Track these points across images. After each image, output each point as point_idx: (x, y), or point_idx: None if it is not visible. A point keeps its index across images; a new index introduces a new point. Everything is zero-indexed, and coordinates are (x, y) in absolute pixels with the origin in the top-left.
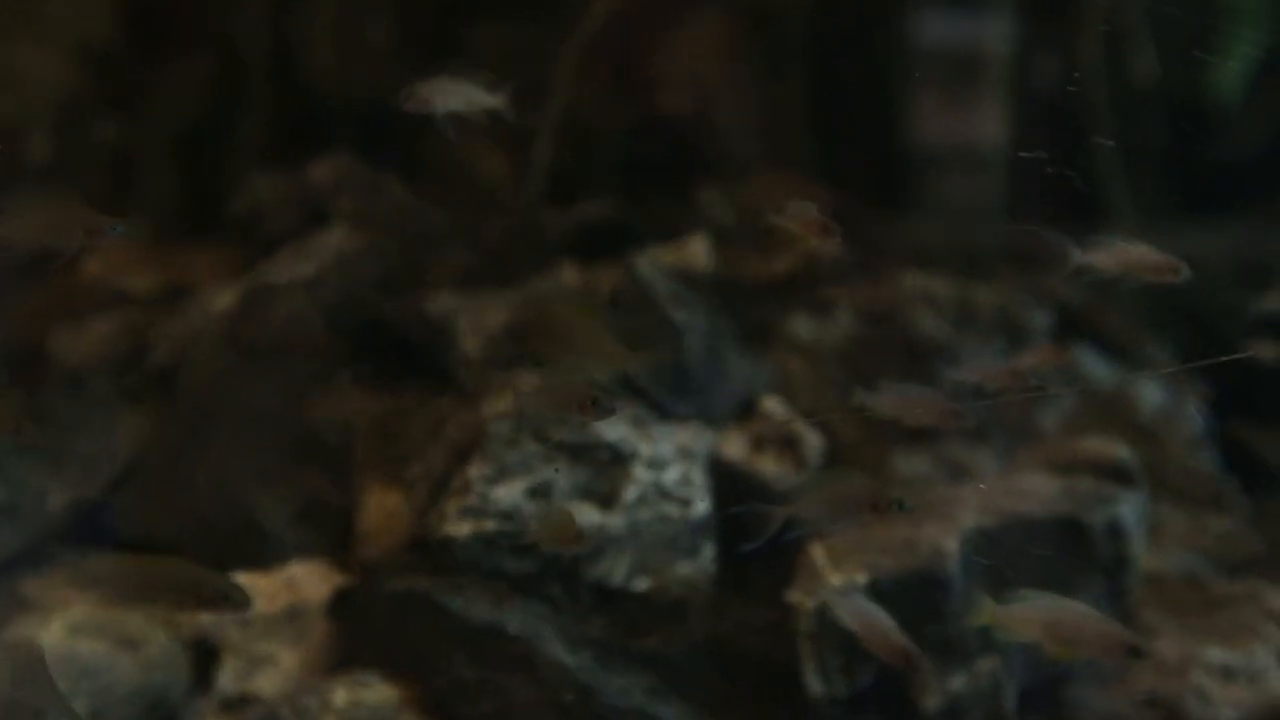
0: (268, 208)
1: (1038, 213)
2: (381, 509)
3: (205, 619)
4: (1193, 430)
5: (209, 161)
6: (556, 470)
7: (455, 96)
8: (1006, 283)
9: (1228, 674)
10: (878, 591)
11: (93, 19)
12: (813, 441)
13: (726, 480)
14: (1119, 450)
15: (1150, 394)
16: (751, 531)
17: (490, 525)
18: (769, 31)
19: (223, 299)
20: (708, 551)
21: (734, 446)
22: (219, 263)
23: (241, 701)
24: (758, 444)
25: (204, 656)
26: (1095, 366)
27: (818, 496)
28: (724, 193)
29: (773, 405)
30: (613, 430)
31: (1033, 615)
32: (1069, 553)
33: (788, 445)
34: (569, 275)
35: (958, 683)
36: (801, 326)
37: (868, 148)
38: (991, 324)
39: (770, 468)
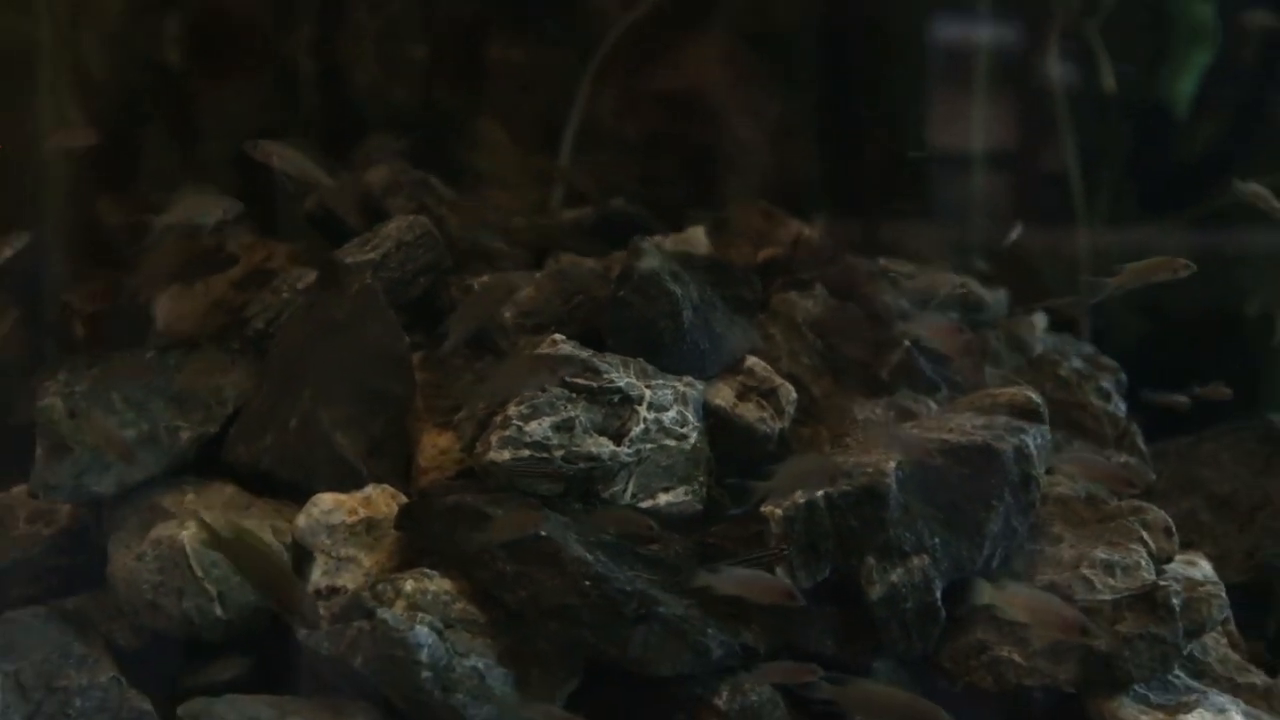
0: (332, 205)
1: (1015, 210)
2: (435, 448)
3: (302, 528)
4: (1106, 385)
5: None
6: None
7: (288, 163)
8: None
9: (1109, 568)
10: (831, 504)
11: (168, 43)
12: (788, 392)
13: (716, 422)
14: (1030, 394)
15: (1073, 358)
16: (736, 500)
17: (525, 453)
18: (770, 53)
19: (306, 278)
20: (699, 477)
21: (722, 396)
22: (293, 252)
23: (332, 591)
24: (742, 394)
25: (301, 556)
26: (1032, 332)
27: (785, 477)
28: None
29: (756, 363)
30: (622, 378)
31: (1022, 601)
32: (984, 472)
33: (767, 396)
34: (586, 259)
35: (895, 576)
36: (783, 300)
37: (861, 154)
38: (949, 301)
39: (752, 413)
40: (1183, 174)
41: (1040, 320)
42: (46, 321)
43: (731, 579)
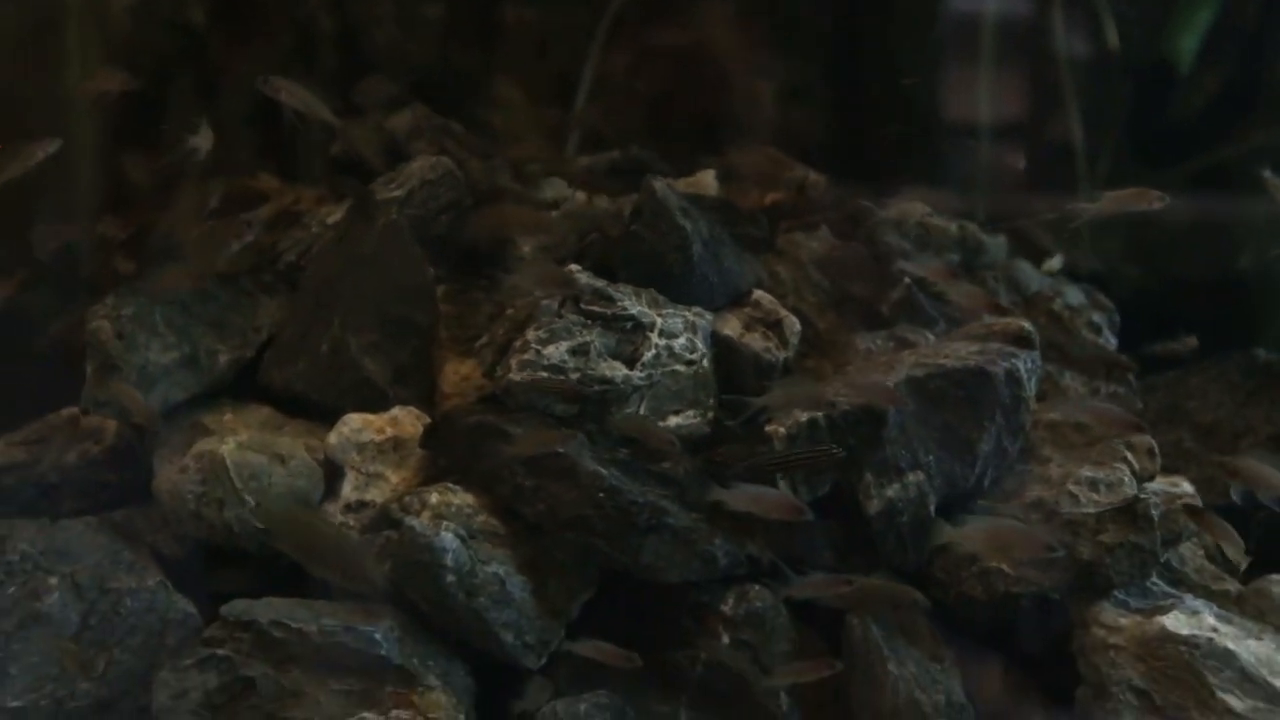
0: (359, 150)
1: (1014, 169)
2: (457, 374)
3: (333, 445)
4: (1097, 319)
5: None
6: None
7: (295, 98)
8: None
9: (1093, 485)
10: (832, 423)
11: (191, 5)
12: (793, 324)
13: (723, 350)
14: (1022, 323)
15: (1070, 293)
16: (735, 411)
17: (543, 375)
18: (777, 13)
19: (334, 214)
20: (707, 400)
21: (730, 326)
22: (319, 195)
23: (361, 505)
24: (749, 325)
25: (332, 472)
26: (1028, 274)
27: (780, 395)
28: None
29: (762, 296)
30: (635, 306)
31: (977, 533)
32: (977, 393)
33: (772, 327)
34: (599, 199)
35: (892, 491)
36: (789, 241)
37: (866, 114)
38: (946, 243)
39: (758, 343)
40: (1185, 130)
41: (1055, 262)
42: (86, 252)
43: (744, 495)
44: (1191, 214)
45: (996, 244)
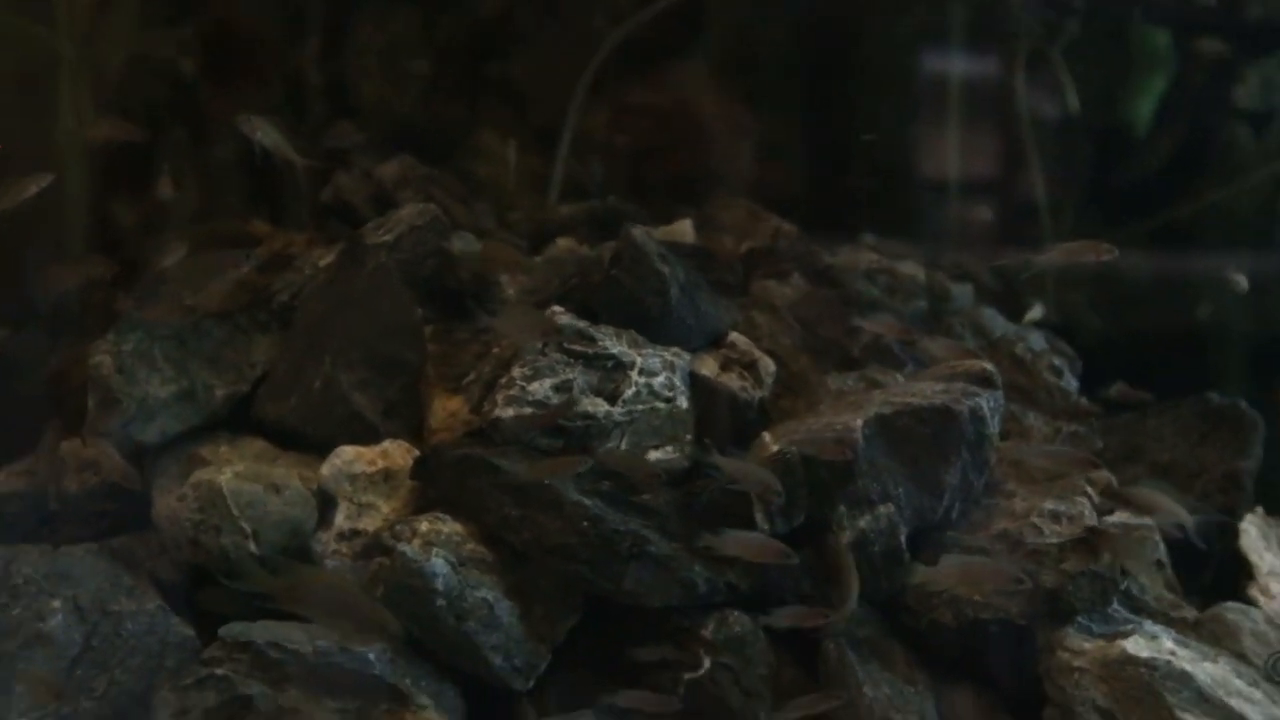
0: (347, 198)
1: (982, 222)
2: (445, 410)
3: (326, 476)
4: (1058, 363)
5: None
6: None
7: (266, 136)
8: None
9: (1055, 517)
10: (805, 458)
11: (182, 55)
12: (768, 365)
13: (701, 389)
14: (985, 365)
15: (1033, 339)
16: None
17: (527, 410)
18: (751, 74)
19: (325, 257)
20: (685, 436)
21: (707, 366)
22: (310, 239)
23: (354, 533)
24: (725, 365)
25: (325, 502)
26: (994, 320)
27: (733, 466)
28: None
29: (738, 338)
30: (615, 346)
31: (950, 571)
32: (942, 430)
33: (748, 367)
34: (581, 247)
35: (864, 522)
36: (763, 288)
37: (835, 169)
38: (915, 290)
39: (734, 382)
40: (1143, 188)
41: (1036, 311)
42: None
43: (731, 541)
44: (1150, 268)
45: (963, 291)
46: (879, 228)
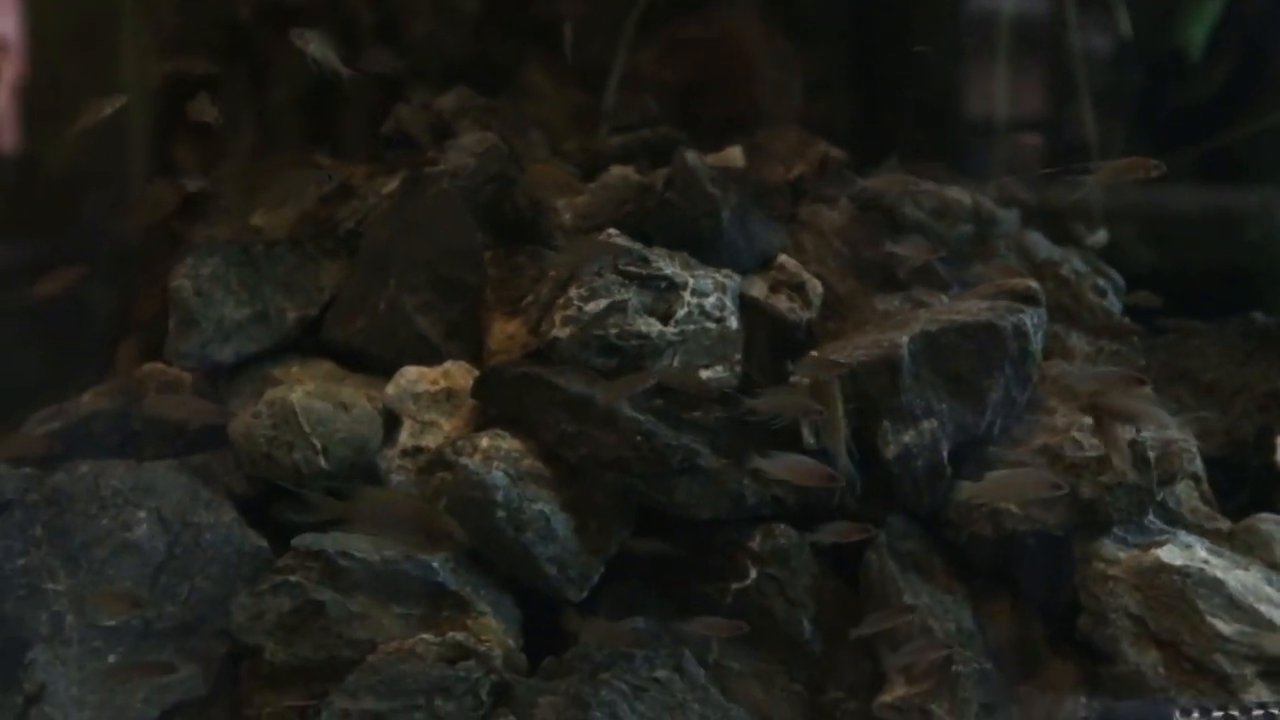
0: (408, 128)
1: (1031, 148)
2: (504, 332)
3: (391, 396)
4: (1102, 284)
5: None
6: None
7: (319, 49)
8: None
9: (1095, 431)
10: (852, 373)
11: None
12: (816, 287)
13: (751, 310)
14: (1029, 282)
15: (1077, 261)
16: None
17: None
18: (799, 6)
19: (388, 185)
20: (735, 356)
21: (757, 288)
22: (370, 171)
23: (417, 450)
24: (774, 287)
25: (390, 421)
26: (1039, 243)
27: (769, 401)
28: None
29: (787, 260)
30: (669, 267)
31: (992, 485)
32: (986, 346)
33: (797, 289)
34: (634, 175)
35: (908, 437)
36: (811, 212)
37: (880, 102)
38: (961, 214)
39: (783, 304)
40: (1194, 115)
41: (1101, 235)
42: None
43: (780, 463)
44: (1200, 195)
45: (1009, 216)
46: (927, 156)
